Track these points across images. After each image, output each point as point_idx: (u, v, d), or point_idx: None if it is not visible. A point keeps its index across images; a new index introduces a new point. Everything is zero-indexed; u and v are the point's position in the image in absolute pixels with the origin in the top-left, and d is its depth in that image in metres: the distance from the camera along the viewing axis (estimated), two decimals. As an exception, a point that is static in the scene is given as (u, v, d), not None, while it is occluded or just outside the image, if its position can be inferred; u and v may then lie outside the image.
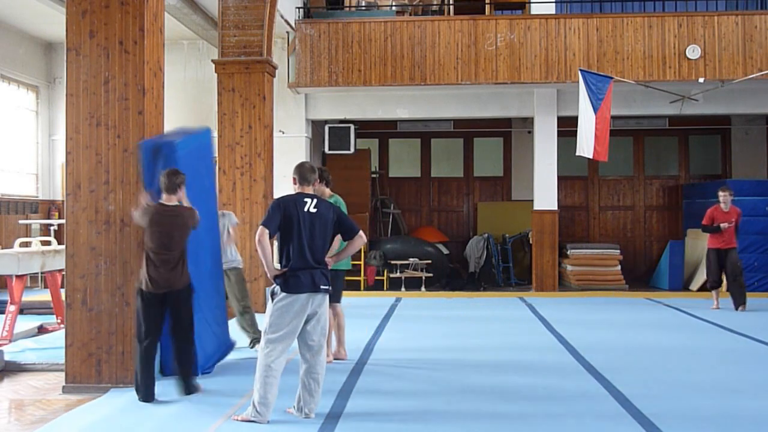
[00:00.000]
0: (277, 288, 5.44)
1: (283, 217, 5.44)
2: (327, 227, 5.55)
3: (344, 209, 7.34)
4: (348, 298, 10.17)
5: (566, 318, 10.82)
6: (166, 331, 6.33)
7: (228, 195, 11.23)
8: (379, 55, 13.52)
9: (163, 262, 6.07)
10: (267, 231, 5.39)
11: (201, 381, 6.55)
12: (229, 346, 7.56)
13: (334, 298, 7.46)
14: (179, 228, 6.16)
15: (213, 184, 7.67)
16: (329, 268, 5.66)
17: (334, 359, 7.66)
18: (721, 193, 11.65)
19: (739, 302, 11.63)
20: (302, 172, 5.65)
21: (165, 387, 6.39)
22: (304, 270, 5.41)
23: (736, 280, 11.63)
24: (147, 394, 6.07)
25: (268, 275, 5.51)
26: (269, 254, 5.46)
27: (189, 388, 6.23)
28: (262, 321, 5.65)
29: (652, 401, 6.04)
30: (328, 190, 7.54)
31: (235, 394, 6.28)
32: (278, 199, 5.61)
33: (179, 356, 6.25)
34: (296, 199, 5.53)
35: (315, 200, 5.56)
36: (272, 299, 5.46)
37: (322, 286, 5.47)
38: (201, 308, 6.78)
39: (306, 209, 5.48)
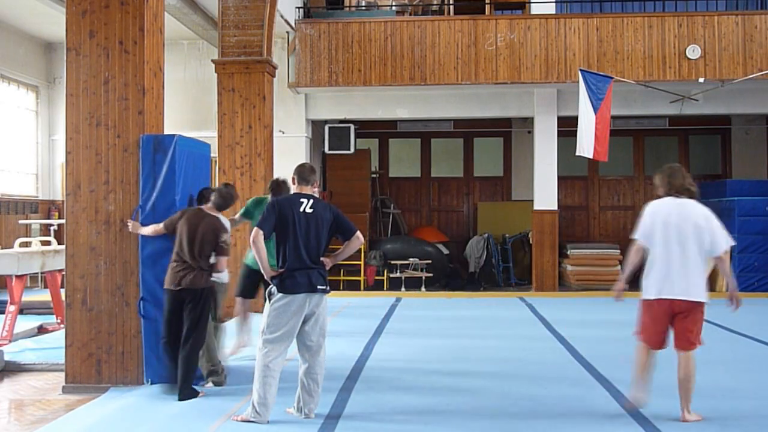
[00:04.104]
0: (274, 288, 5.45)
1: (279, 218, 5.43)
2: (323, 228, 5.52)
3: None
4: (348, 298, 10.15)
5: (566, 318, 10.82)
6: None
7: (228, 195, 11.21)
8: (379, 55, 13.52)
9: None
10: (261, 232, 5.40)
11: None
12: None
13: None
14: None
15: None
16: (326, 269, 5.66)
17: None
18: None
19: None
20: (302, 173, 5.66)
21: (159, 389, 6.39)
22: (301, 270, 5.41)
23: None
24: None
25: (265, 276, 5.52)
26: (264, 255, 5.44)
27: (183, 393, 6.14)
28: (260, 322, 5.63)
29: (651, 401, 6.03)
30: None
31: (235, 396, 6.27)
32: (274, 199, 5.67)
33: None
34: (292, 200, 5.55)
35: (312, 200, 5.55)
36: (269, 300, 5.47)
37: (319, 287, 5.45)
38: None
39: (302, 210, 5.48)
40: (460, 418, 5.61)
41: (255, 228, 5.44)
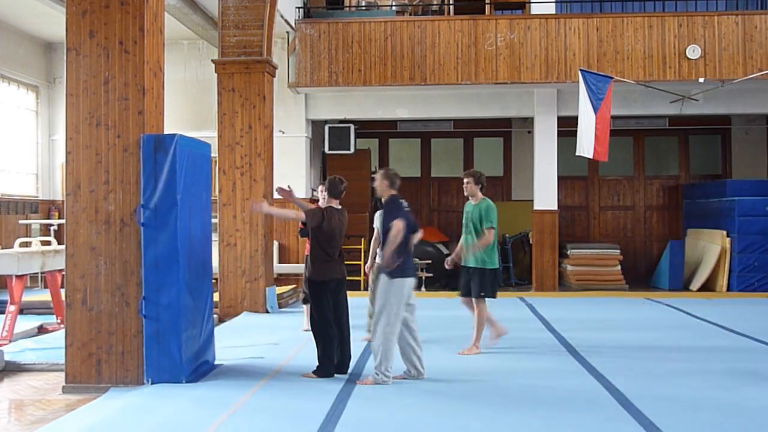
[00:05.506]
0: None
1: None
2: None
3: (493, 214, 8.09)
4: (348, 298, 10.17)
5: (566, 318, 10.82)
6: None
7: (228, 195, 11.22)
8: (379, 55, 13.52)
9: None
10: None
11: (190, 387, 6.55)
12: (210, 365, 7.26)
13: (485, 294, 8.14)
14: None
15: (209, 199, 7.44)
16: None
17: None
18: None
19: None
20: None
21: (159, 389, 6.40)
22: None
23: None
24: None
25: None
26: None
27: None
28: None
29: (651, 401, 6.04)
30: (480, 194, 8.24)
31: (233, 395, 6.27)
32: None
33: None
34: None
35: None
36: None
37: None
38: (193, 322, 6.79)
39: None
40: (459, 418, 5.61)
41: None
